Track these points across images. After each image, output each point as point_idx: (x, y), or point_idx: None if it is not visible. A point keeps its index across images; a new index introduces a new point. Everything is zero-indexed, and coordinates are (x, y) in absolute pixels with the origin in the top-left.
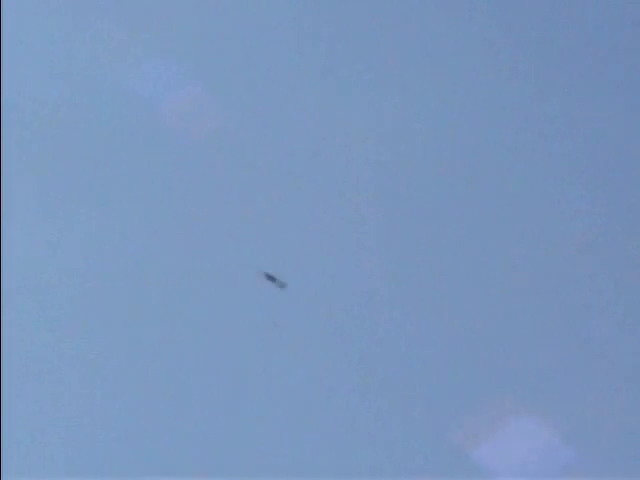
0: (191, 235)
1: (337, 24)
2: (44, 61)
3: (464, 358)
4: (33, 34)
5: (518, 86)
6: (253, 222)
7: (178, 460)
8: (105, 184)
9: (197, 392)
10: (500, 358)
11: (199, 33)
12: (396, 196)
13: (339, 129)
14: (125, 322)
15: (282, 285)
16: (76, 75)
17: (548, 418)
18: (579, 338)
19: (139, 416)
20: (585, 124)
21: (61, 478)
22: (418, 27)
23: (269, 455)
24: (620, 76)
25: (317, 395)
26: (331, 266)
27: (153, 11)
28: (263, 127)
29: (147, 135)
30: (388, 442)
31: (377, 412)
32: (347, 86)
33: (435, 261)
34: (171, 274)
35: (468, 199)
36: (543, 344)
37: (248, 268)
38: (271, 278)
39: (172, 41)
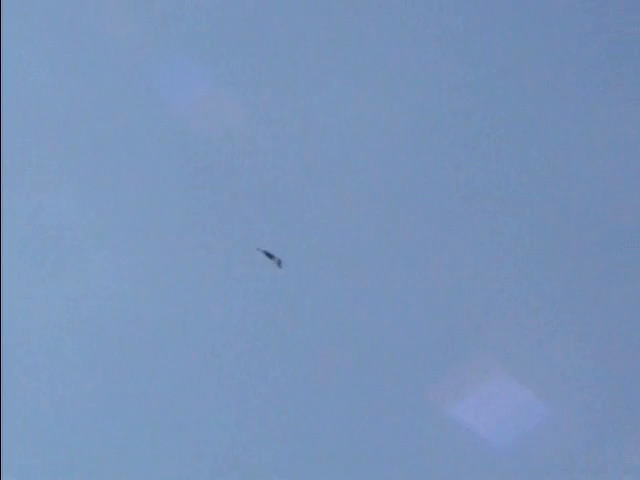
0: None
1: (345, 22)
2: (62, 57)
3: (444, 320)
4: (46, 32)
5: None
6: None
7: (176, 463)
8: (122, 180)
9: (197, 394)
10: (478, 320)
11: (219, 31)
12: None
13: (354, 126)
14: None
15: (279, 262)
16: (92, 71)
17: (523, 377)
18: (555, 302)
19: (138, 416)
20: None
21: (61, 478)
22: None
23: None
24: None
25: (298, 368)
26: (325, 250)
27: (169, 9)
28: (280, 123)
29: (165, 131)
30: (366, 403)
31: (361, 377)
32: (355, 86)
33: (420, 235)
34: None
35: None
36: (519, 308)
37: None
38: (269, 255)
39: (192, 39)
